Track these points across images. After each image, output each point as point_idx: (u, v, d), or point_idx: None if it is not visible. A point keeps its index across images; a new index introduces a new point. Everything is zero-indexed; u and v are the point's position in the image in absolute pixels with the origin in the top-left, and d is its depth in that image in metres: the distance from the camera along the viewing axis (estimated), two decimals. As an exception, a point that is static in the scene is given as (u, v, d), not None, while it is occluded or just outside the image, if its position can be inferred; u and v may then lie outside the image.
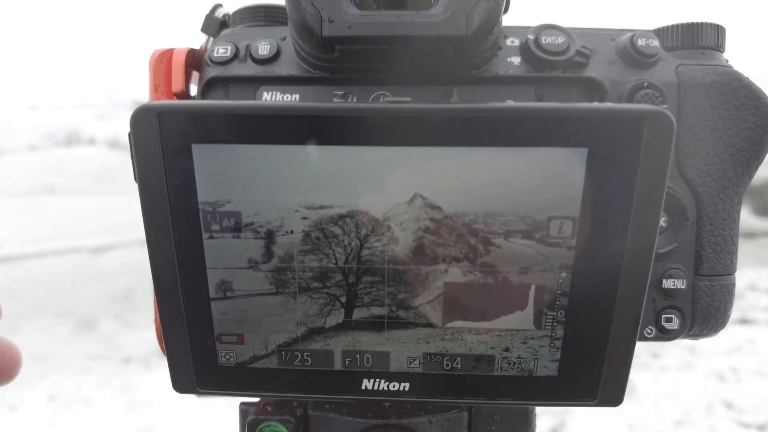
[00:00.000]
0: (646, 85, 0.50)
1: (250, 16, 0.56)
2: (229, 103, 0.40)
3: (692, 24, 0.53)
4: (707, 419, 4.08)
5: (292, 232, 0.42)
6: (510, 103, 0.40)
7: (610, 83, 0.51)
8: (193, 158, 0.40)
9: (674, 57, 0.52)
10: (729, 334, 6.14)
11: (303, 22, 0.44)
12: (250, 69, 0.53)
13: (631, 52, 0.51)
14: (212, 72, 0.53)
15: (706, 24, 0.53)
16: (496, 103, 0.39)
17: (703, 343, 6.08)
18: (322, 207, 0.41)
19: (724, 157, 0.51)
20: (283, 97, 0.52)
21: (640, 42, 0.51)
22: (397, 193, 0.40)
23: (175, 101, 0.42)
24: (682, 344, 6.07)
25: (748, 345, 5.77)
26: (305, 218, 0.41)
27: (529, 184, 0.39)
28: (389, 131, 0.38)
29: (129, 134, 0.40)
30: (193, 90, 0.56)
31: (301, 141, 0.39)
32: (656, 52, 0.52)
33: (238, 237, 0.42)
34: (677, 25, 0.53)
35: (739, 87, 0.51)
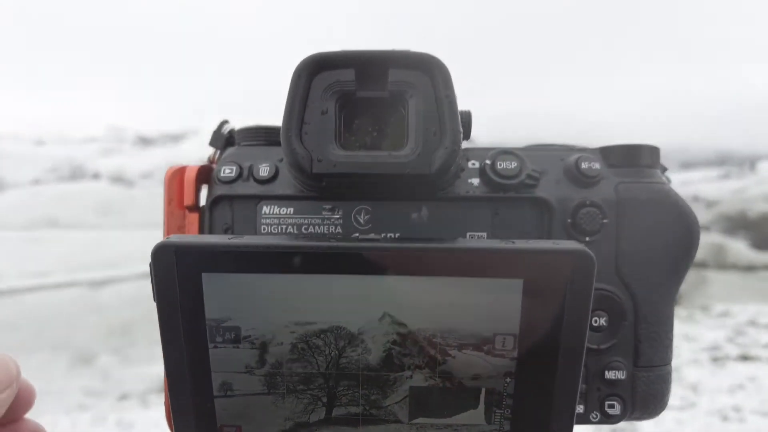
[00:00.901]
0: (588, 203, 0.58)
1: (252, 136, 0.64)
2: (231, 241, 0.48)
3: (632, 146, 0.61)
4: (710, 461, 4.02)
5: (282, 343, 0.50)
6: (460, 241, 0.49)
7: (557, 201, 0.59)
8: (202, 284, 0.48)
9: (615, 175, 0.60)
10: (731, 372, 6.07)
11: (296, 161, 0.53)
12: (252, 188, 0.61)
13: (575, 173, 0.59)
14: (219, 190, 0.61)
15: (644, 146, 0.61)
16: (449, 243, 0.48)
17: (705, 381, 6.00)
18: (307, 323, 0.50)
19: (657, 263, 0.59)
20: (279, 210, 0.61)
21: (584, 165, 0.59)
22: (369, 312, 0.49)
23: (188, 239, 0.50)
24: (683, 383, 5.99)
25: (750, 383, 5.71)
26: (293, 332, 0.50)
27: (477, 306, 0.48)
28: (362, 264, 0.47)
29: (150, 264, 0.49)
30: (203, 199, 0.64)
31: (290, 271, 0.48)
32: (597, 173, 0.59)
33: (238, 347, 0.50)
34: (619, 146, 0.61)
35: (669, 204, 0.59)
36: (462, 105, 0.53)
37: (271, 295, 0.49)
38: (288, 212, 0.60)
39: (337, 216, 0.60)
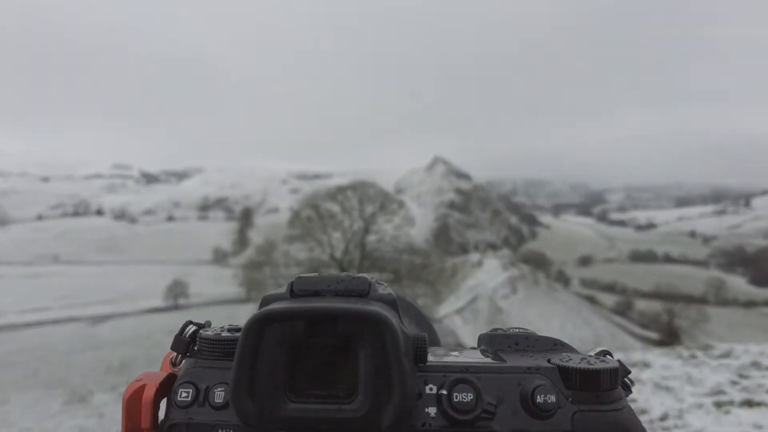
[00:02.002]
0: None
1: (211, 347, 0.65)
2: None
3: (590, 371, 0.60)
4: None
5: None
6: None
7: None
8: None
9: (573, 401, 0.59)
10: (736, 419, 5.93)
11: (244, 415, 0.55)
12: (207, 415, 0.60)
13: (531, 405, 0.59)
14: (176, 416, 0.60)
15: (601, 371, 0.60)
16: None
17: (711, 429, 5.81)
18: None
19: None
20: None
21: (539, 398, 0.59)
22: None
23: None
24: (689, 429, 5.79)
25: (755, 431, 5.59)
26: None
27: None
28: None
29: None
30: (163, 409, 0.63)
31: None
32: (553, 407, 0.59)
33: None
34: (578, 370, 0.60)
35: None
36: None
37: None
38: None
39: None
